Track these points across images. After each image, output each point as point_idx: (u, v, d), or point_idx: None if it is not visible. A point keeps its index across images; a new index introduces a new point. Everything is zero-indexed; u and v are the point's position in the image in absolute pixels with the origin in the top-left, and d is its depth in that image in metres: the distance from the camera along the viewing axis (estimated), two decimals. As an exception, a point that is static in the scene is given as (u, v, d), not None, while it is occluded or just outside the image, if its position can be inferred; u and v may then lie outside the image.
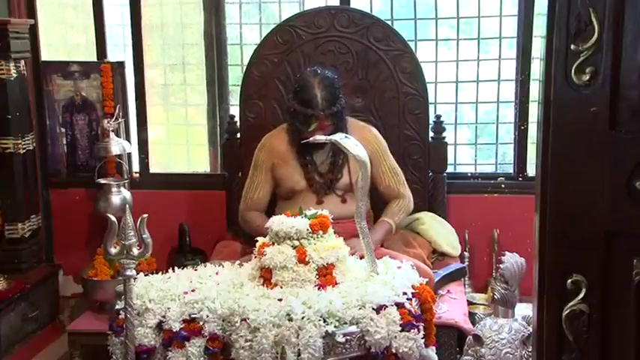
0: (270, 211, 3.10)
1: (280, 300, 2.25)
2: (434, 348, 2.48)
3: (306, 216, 2.46)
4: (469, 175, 3.81)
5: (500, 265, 2.69)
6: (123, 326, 2.26)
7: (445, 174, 3.53)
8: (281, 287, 2.33)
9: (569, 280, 1.41)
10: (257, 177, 3.16)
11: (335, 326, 2.20)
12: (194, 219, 3.74)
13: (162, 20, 4.00)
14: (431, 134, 3.49)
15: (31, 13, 3.79)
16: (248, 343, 2.18)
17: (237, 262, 2.64)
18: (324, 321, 2.20)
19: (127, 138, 3.79)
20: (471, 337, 2.68)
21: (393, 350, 2.24)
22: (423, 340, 2.31)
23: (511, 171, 3.76)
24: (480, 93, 3.79)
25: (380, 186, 3.13)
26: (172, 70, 4.08)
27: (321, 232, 2.41)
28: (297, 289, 2.31)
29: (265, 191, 3.15)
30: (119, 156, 3.64)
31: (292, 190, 3.07)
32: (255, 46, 3.56)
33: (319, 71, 3.04)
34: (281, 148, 3.11)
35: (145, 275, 2.51)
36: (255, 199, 3.16)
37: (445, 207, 3.55)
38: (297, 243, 2.38)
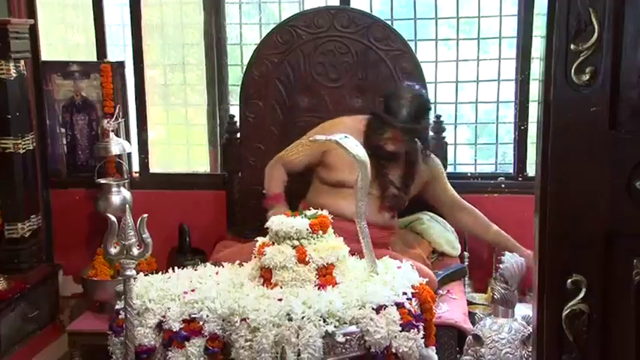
0: (302, 183, 3.18)
1: (280, 300, 2.25)
2: (434, 348, 2.48)
3: (306, 216, 2.46)
4: (469, 175, 3.81)
5: (500, 265, 2.69)
6: (123, 326, 2.26)
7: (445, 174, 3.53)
8: (281, 287, 2.33)
9: (569, 280, 1.40)
10: (306, 144, 3.16)
11: (335, 326, 2.20)
12: (194, 219, 3.73)
13: (163, 20, 4.01)
14: (431, 134, 3.48)
15: (31, 13, 3.79)
16: (248, 343, 2.18)
17: (237, 262, 2.64)
18: (324, 321, 2.20)
19: (127, 138, 3.80)
20: (470, 337, 2.68)
21: (393, 350, 2.24)
22: (423, 340, 2.31)
23: (511, 171, 3.76)
24: (480, 93, 3.79)
25: (445, 199, 3.32)
26: (172, 70, 4.08)
27: (321, 232, 2.41)
28: (297, 289, 2.31)
29: (301, 159, 3.16)
30: (119, 156, 3.65)
31: (342, 182, 3.03)
32: (255, 46, 3.56)
33: (415, 87, 3.14)
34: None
35: (145, 275, 2.51)
36: (293, 158, 3.18)
37: (445, 207, 3.54)
38: (297, 243, 2.38)
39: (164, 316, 2.28)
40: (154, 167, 4.00)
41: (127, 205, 2.63)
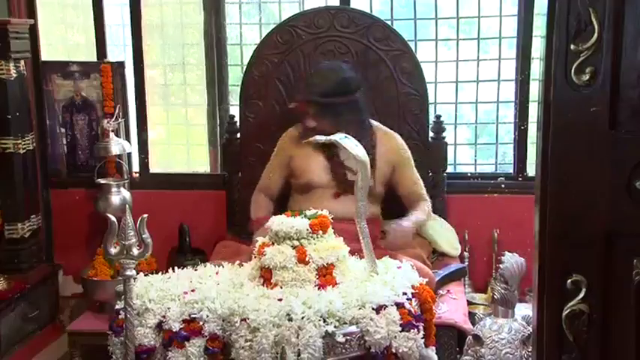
0: (283, 204, 3.14)
1: (280, 300, 2.25)
2: (434, 348, 2.48)
3: (306, 216, 2.46)
4: (469, 175, 3.81)
5: (500, 265, 2.69)
6: (123, 326, 2.26)
7: (445, 174, 3.53)
8: (281, 287, 2.33)
9: (569, 280, 1.41)
10: (273, 161, 3.23)
11: (335, 326, 2.20)
12: (194, 219, 3.74)
13: (163, 20, 4.01)
14: (431, 134, 3.49)
15: (31, 13, 3.79)
16: (248, 343, 2.18)
17: (237, 262, 2.64)
18: (324, 321, 2.20)
19: (127, 138, 3.80)
20: (470, 337, 2.68)
21: (393, 350, 2.24)
22: (423, 340, 2.31)
23: (511, 171, 3.76)
24: (480, 93, 3.79)
25: (405, 191, 3.17)
26: (172, 70, 4.08)
27: (321, 232, 2.41)
28: (297, 289, 2.31)
29: (277, 176, 3.20)
30: (119, 156, 3.65)
31: (310, 183, 3.06)
32: (255, 46, 3.56)
33: (336, 62, 3.08)
34: (300, 140, 3.08)
35: (145, 275, 2.51)
36: (267, 182, 3.23)
37: (445, 207, 3.55)
38: (297, 243, 2.38)
39: (164, 316, 2.28)
40: (154, 167, 4.00)
41: (127, 205, 2.63)
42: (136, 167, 3.95)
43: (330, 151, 3.02)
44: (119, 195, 3.59)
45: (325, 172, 3.06)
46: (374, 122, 3.18)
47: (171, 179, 3.96)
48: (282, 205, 3.18)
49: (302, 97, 3.02)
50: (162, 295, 2.35)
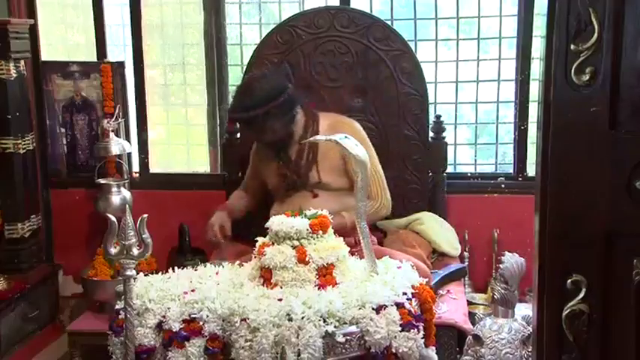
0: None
1: (280, 300, 2.25)
2: (434, 348, 2.48)
3: (306, 216, 2.46)
4: (469, 175, 3.82)
5: (500, 265, 2.69)
6: (123, 326, 2.26)
7: (445, 174, 3.53)
8: (281, 287, 2.33)
9: (569, 280, 1.41)
10: (249, 168, 3.32)
11: (335, 326, 2.20)
12: (194, 219, 3.73)
13: (163, 20, 4.01)
14: (431, 134, 3.49)
15: (31, 13, 3.79)
16: (248, 343, 2.18)
17: (237, 262, 2.64)
18: (324, 321, 2.20)
19: (127, 138, 3.80)
20: (470, 337, 2.68)
21: (393, 350, 2.24)
22: (423, 340, 2.31)
23: (511, 171, 3.76)
24: (480, 93, 3.80)
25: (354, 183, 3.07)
26: (172, 70, 4.08)
27: (320, 232, 2.41)
28: (297, 289, 2.31)
29: (252, 178, 3.29)
30: (119, 156, 3.65)
31: (275, 190, 3.15)
32: (255, 46, 3.56)
33: (255, 74, 3.15)
34: (262, 149, 3.19)
35: (145, 275, 2.51)
36: (245, 181, 3.34)
37: (445, 207, 3.55)
38: (297, 243, 2.38)
39: (164, 316, 2.28)
40: (154, 167, 4.00)
41: (127, 205, 2.63)
42: (136, 167, 3.95)
43: (278, 156, 3.08)
44: (119, 195, 3.59)
45: (277, 177, 3.11)
46: (323, 113, 3.16)
47: (171, 179, 3.96)
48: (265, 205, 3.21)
49: (228, 116, 3.15)
50: (162, 295, 2.35)
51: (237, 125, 3.13)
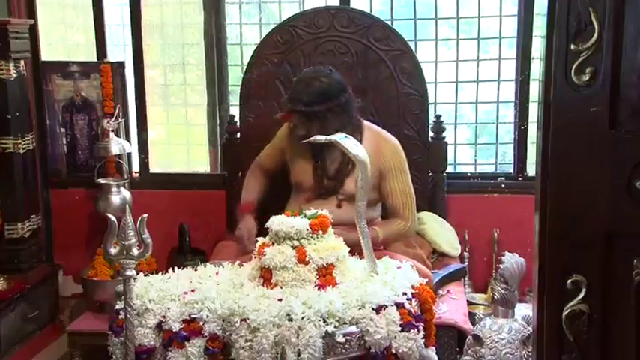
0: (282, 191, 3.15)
1: (280, 300, 2.25)
2: (434, 348, 2.48)
3: (306, 216, 2.46)
4: (469, 175, 3.82)
5: (500, 265, 2.69)
6: (123, 326, 2.26)
7: (445, 174, 3.53)
8: (281, 287, 2.33)
9: (569, 280, 1.41)
10: (272, 142, 3.24)
11: (335, 326, 2.20)
12: (194, 219, 3.74)
13: (163, 20, 4.01)
14: (431, 134, 3.49)
15: (31, 13, 3.79)
16: (248, 343, 2.18)
17: (237, 262, 2.64)
18: (324, 321, 2.20)
19: (127, 138, 3.80)
20: (470, 337, 2.68)
21: (393, 350, 2.24)
22: (423, 340, 2.31)
23: (511, 171, 3.76)
24: (480, 93, 3.80)
25: (386, 202, 3.03)
26: (172, 70, 4.08)
27: (321, 232, 2.41)
28: (297, 289, 2.31)
29: (270, 154, 3.23)
30: (119, 156, 3.65)
31: (299, 184, 3.06)
32: (255, 46, 3.56)
33: (318, 68, 3.03)
34: (296, 139, 3.01)
35: (145, 275, 2.50)
36: (263, 158, 3.26)
37: (445, 207, 3.55)
38: (297, 243, 2.38)
39: (164, 316, 2.28)
40: (154, 167, 4.00)
41: (127, 205, 2.63)
42: (136, 167, 3.95)
43: (317, 154, 2.98)
44: (119, 195, 3.59)
45: (309, 175, 3.02)
46: (368, 123, 3.09)
47: (171, 179, 3.96)
48: (279, 186, 3.17)
49: (286, 107, 2.98)
50: (162, 295, 2.35)
51: (293, 119, 2.94)
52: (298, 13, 3.67)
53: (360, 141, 2.91)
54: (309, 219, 2.43)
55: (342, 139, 2.46)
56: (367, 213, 2.86)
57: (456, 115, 3.84)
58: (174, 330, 2.24)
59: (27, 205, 3.59)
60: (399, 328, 2.24)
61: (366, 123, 3.08)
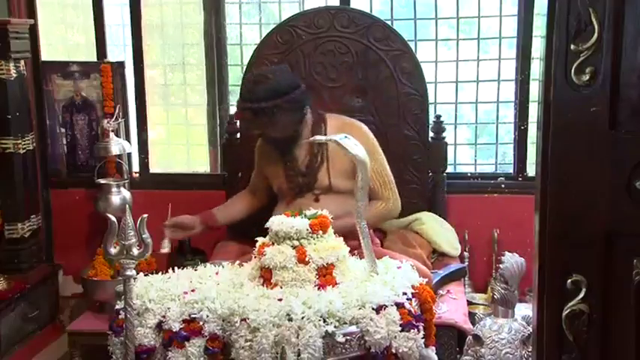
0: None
1: (280, 300, 2.25)
2: (434, 348, 2.48)
3: (306, 216, 2.46)
4: (469, 175, 3.82)
5: (500, 265, 2.69)
6: (123, 326, 2.26)
7: (445, 174, 3.53)
8: (281, 287, 2.33)
9: (569, 280, 1.41)
10: (255, 168, 3.29)
11: (335, 326, 2.20)
12: (194, 219, 3.73)
13: (163, 20, 4.01)
14: (431, 134, 3.49)
15: (31, 13, 3.80)
16: (248, 343, 2.18)
17: (237, 262, 2.64)
18: (324, 321, 2.20)
19: (127, 138, 3.80)
20: (470, 337, 2.68)
21: (393, 350, 2.23)
22: (423, 340, 2.31)
23: (511, 171, 3.76)
24: (480, 93, 3.80)
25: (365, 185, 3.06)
26: (172, 70, 4.08)
27: (321, 232, 2.41)
28: (297, 289, 2.31)
29: (258, 176, 3.26)
30: (119, 156, 3.65)
31: (279, 190, 3.12)
32: (255, 46, 3.56)
33: (264, 69, 3.10)
34: (266, 147, 3.15)
35: (145, 275, 2.51)
36: (252, 179, 3.30)
37: (445, 207, 3.55)
38: (297, 243, 2.38)
39: (164, 316, 2.28)
40: (154, 167, 4.00)
41: (127, 205, 2.63)
42: (136, 167, 3.95)
43: (285, 156, 3.05)
44: (119, 195, 3.59)
45: (283, 178, 3.08)
46: (331, 115, 3.13)
47: (171, 179, 3.96)
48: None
49: (238, 106, 3.05)
50: (162, 295, 2.35)
51: (245, 117, 3.03)
52: (298, 13, 3.67)
53: (325, 133, 2.99)
54: (309, 219, 2.43)
55: (342, 139, 2.46)
56: (350, 202, 2.88)
57: (456, 115, 3.84)
58: (174, 330, 2.24)
59: (27, 205, 3.59)
60: (399, 328, 2.24)
61: (329, 115, 3.13)
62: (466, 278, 3.47)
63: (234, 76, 3.96)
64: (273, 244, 2.40)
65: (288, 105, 2.91)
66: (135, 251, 2.21)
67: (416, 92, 3.41)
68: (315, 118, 3.05)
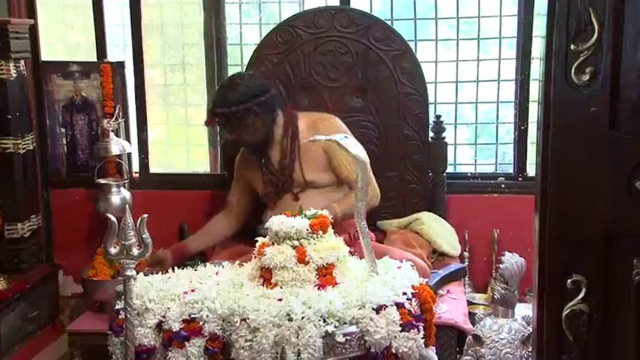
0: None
1: (280, 300, 2.25)
2: (434, 348, 2.48)
3: (306, 216, 2.46)
4: (469, 175, 3.82)
5: (500, 265, 2.69)
6: (123, 326, 2.26)
7: (445, 174, 3.53)
8: (281, 287, 2.33)
9: (569, 280, 1.41)
10: (234, 179, 3.32)
11: (335, 326, 2.20)
12: (194, 219, 3.73)
13: (163, 20, 4.01)
14: (431, 134, 3.49)
15: (31, 13, 3.79)
16: (248, 343, 2.18)
17: (237, 262, 2.64)
18: (324, 321, 2.20)
19: (127, 138, 3.80)
20: (470, 337, 2.68)
21: (393, 350, 2.23)
22: (423, 340, 2.31)
23: (511, 171, 3.76)
24: (480, 93, 3.79)
25: (340, 177, 3.06)
26: (172, 70, 4.08)
27: (321, 232, 2.41)
28: (297, 289, 2.31)
29: (238, 196, 3.27)
30: (119, 156, 3.65)
31: (264, 196, 3.15)
32: (255, 46, 3.56)
33: (238, 73, 3.18)
34: (246, 155, 3.21)
35: (145, 275, 2.51)
36: (230, 202, 3.31)
37: (445, 207, 3.55)
38: (297, 243, 2.38)
39: (164, 316, 2.28)
40: (154, 167, 4.00)
41: (127, 205, 2.63)
42: (136, 167, 3.95)
43: (260, 160, 3.10)
44: (119, 195, 3.59)
45: (263, 182, 3.12)
46: (303, 113, 3.18)
47: (171, 179, 3.96)
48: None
49: (208, 112, 3.09)
50: (162, 295, 2.35)
51: (217, 122, 3.08)
52: (298, 13, 3.67)
53: (296, 130, 3.07)
54: (309, 219, 2.43)
55: (342, 139, 2.46)
56: (332, 195, 3.00)
57: (456, 115, 3.84)
58: (174, 330, 2.24)
59: (27, 205, 3.59)
60: (399, 328, 2.24)
61: (300, 113, 3.17)
62: (466, 278, 3.47)
63: (234, 76, 3.95)
64: (273, 244, 2.40)
65: (259, 108, 2.98)
66: (135, 251, 2.21)
67: (416, 92, 3.41)
68: (287, 118, 3.10)
